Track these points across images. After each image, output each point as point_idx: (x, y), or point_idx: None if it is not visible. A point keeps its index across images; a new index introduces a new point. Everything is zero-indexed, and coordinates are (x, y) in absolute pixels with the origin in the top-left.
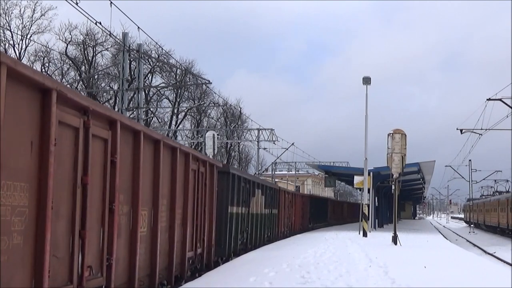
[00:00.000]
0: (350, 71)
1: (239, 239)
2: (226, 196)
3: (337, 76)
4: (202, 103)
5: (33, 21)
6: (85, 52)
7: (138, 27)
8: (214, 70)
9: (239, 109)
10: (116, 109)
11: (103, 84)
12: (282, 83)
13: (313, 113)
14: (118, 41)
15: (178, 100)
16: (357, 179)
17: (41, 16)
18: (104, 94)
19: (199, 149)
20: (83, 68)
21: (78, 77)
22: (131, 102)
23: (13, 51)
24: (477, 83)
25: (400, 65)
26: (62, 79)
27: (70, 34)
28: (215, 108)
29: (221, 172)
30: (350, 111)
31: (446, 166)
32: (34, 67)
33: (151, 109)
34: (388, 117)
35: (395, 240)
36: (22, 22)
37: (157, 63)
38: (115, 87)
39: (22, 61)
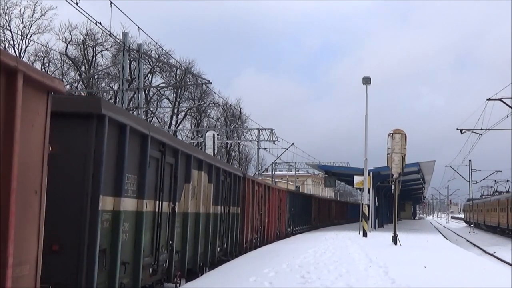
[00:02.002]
0: (359, 71)
1: (152, 264)
2: (96, 173)
3: (346, 77)
4: (202, 103)
5: (33, 21)
6: (85, 52)
7: (138, 27)
8: (220, 69)
9: (239, 109)
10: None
11: (103, 84)
12: (289, 83)
13: (318, 114)
14: (118, 41)
15: (178, 100)
16: (357, 179)
17: (41, 16)
18: (104, 94)
19: (199, 148)
20: (83, 68)
21: (78, 77)
22: (131, 102)
23: (13, 51)
24: (487, 83)
25: (411, 65)
26: (62, 79)
27: (70, 34)
28: (215, 108)
29: (71, 113)
30: (355, 112)
31: (446, 166)
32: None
33: (151, 109)
34: (395, 117)
35: (395, 240)
36: (22, 22)
37: (157, 63)
38: (115, 87)
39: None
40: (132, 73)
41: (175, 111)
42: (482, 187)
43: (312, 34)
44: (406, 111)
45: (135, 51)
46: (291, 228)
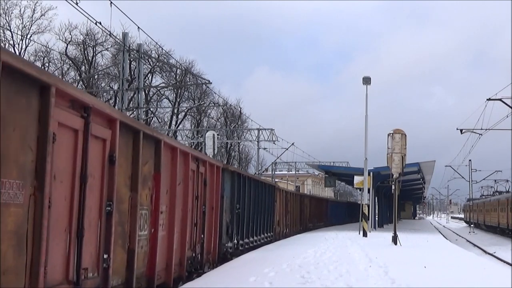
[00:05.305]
0: (369, 71)
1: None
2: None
3: (357, 76)
4: (202, 103)
5: (33, 21)
6: (85, 52)
7: (138, 27)
8: (227, 69)
9: (239, 109)
10: (116, 109)
11: (103, 84)
12: (299, 83)
13: (322, 114)
14: (118, 41)
15: (178, 100)
16: (357, 179)
17: (41, 16)
18: (104, 94)
19: (199, 149)
20: (83, 68)
21: (78, 77)
22: (131, 102)
23: (13, 51)
24: (499, 82)
25: (425, 64)
26: (62, 79)
27: (70, 34)
28: (215, 108)
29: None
30: (360, 112)
31: (446, 166)
32: None
33: (151, 109)
34: (404, 117)
35: (395, 240)
36: (22, 22)
37: (157, 63)
38: (115, 87)
39: None
40: (132, 73)
41: (175, 111)
42: (482, 187)
43: (324, 34)
44: (416, 111)
45: (135, 51)
46: (235, 241)
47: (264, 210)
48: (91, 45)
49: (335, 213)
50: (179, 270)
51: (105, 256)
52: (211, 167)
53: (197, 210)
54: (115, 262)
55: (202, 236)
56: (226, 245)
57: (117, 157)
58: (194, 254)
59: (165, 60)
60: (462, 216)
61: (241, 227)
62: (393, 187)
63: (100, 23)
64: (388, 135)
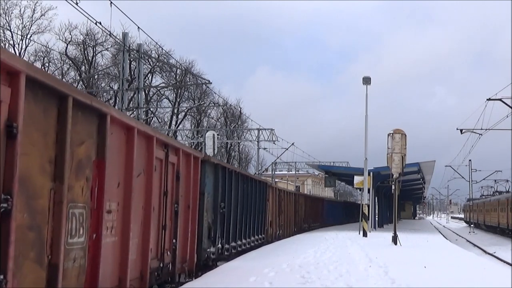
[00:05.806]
0: (371, 72)
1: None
2: None
3: (357, 77)
4: (202, 103)
5: (33, 21)
6: (85, 52)
7: (138, 27)
8: (229, 69)
9: (239, 109)
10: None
11: (103, 84)
12: (300, 83)
13: (323, 114)
14: (118, 41)
15: (178, 100)
16: (357, 179)
17: (41, 16)
18: (104, 94)
19: (199, 149)
20: (83, 68)
21: (78, 77)
22: (131, 102)
23: (13, 51)
24: (498, 82)
25: (428, 64)
26: (62, 79)
27: (70, 34)
28: (215, 108)
29: None
30: (361, 112)
31: (446, 166)
32: None
33: (151, 109)
34: (406, 117)
35: (395, 240)
36: (22, 22)
37: (157, 63)
38: (115, 87)
39: None
40: (132, 73)
41: (175, 111)
42: (482, 187)
43: (325, 34)
44: (416, 111)
45: (135, 51)
46: (220, 245)
47: (254, 210)
48: (91, 45)
49: (332, 213)
50: (138, 286)
51: (0, 277)
52: (187, 157)
53: (166, 209)
54: (22, 283)
55: (174, 241)
56: (208, 250)
57: (20, 129)
58: (162, 264)
59: (165, 60)
60: (462, 216)
61: (226, 229)
62: (393, 187)
63: (100, 23)
64: (388, 135)
